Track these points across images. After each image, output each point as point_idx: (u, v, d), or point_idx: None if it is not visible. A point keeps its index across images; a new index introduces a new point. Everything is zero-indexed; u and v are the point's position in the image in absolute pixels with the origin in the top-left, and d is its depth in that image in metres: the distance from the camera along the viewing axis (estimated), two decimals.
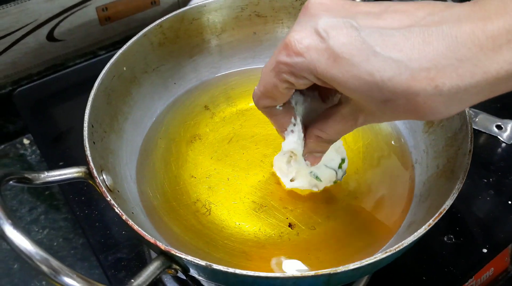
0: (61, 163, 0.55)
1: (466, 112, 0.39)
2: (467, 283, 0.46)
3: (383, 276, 0.45)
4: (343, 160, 0.42)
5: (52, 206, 0.58)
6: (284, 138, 0.36)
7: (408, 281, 0.46)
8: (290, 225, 0.41)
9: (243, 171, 0.45)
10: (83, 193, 0.52)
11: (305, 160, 0.37)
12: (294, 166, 0.40)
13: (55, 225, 0.56)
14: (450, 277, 0.46)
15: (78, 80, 0.64)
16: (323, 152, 0.36)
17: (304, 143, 0.35)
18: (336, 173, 0.41)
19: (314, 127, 0.34)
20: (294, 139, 0.35)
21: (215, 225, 0.42)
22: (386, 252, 0.30)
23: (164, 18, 0.46)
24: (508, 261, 0.52)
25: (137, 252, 0.47)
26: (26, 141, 0.65)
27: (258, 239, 0.40)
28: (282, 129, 0.36)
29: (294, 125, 0.35)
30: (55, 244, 0.54)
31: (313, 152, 0.36)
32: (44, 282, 0.52)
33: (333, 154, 0.41)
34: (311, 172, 0.41)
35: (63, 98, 0.63)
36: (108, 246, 0.48)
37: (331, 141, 0.34)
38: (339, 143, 0.42)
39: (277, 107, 0.34)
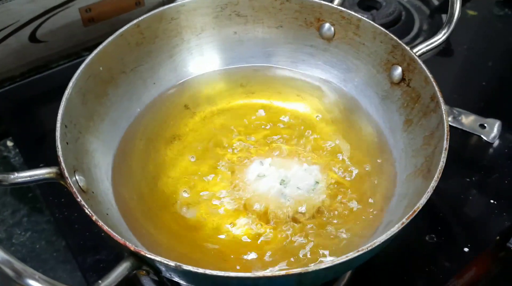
0: (41, 165, 0.54)
1: (443, 110, 0.39)
2: (448, 283, 0.46)
3: (363, 276, 0.45)
4: (317, 182, 0.43)
5: (35, 209, 0.57)
6: None
7: (388, 281, 0.46)
8: (270, 224, 0.41)
9: (223, 172, 0.45)
10: (62, 194, 0.51)
11: None
12: None
13: (38, 227, 0.55)
14: (431, 277, 0.46)
15: (62, 81, 0.63)
16: None
17: None
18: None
19: None
20: None
21: (193, 226, 0.41)
22: (358, 251, 0.30)
23: (142, 17, 0.46)
24: (490, 261, 0.51)
25: (116, 253, 0.46)
26: (9, 143, 0.64)
27: (236, 239, 0.40)
28: None
29: None
30: (37, 246, 0.54)
31: None
32: None
33: (308, 178, 0.42)
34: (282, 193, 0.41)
35: (46, 99, 0.63)
36: (87, 248, 0.47)
37: None
38: (314, 168, 0.43)
39: None
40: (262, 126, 0.49)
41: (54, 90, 0.64)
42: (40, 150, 0.57)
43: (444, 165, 0.35)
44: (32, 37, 0.62)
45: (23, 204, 0.57)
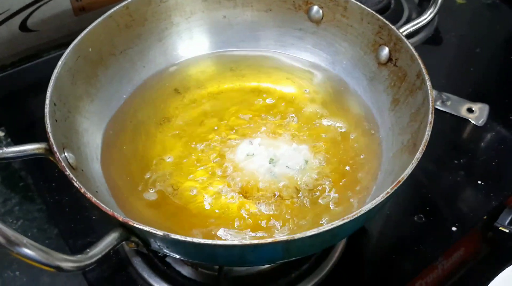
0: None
1: (428, 86, 0.39)
2: (436, 262, 0.47)
3: (352, 254, 0.45)
4: (306, 162, 0.43)
5: (26, 198, 0.57)
6: None
7: (378, 260, 0.46)
8: (259, 201, 0.41)
9: (212, 152, 0.45)
10: (53, 179, 0.51)
11: None
12: None
13: (30, 216, 0.55)
14: (419, 256, 0.46)
15: (53, 70, 0.64)
16: None
17: None
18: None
19: None
20: None
21: (182, 204, 0.42)
22: (343, 220, 0.30)
23: None
24: (478, 242, 0.52)
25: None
26: (1, 133, 0.64)
27: (225, 216, 0.40)
28: None
29: None
30: (29, 234, 0.54)
31: None
32: (17, 272, 0.52)
33: (297, 157, 0.42)
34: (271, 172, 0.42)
35: (37, 88, 0.62)
36: (78, 231, 0.47)
37: None
38: (304, 147, 0.43)
39: None
40: (252, 109, 0.49)
41: (45, 79, 0.64)
42: (31, 139, 0.57)
43: (429, 138, 0.36)
44: (23, 26, 0.62)
45: (14, 193, 0.57)
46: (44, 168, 0.53)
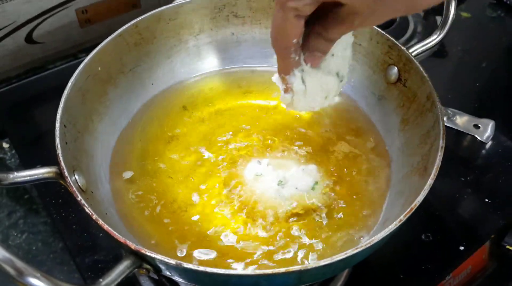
0: (38, 166, 0.54)
1: (439, 109, 0.39)
2: (444, 281, 0.47)
3: (360, 274, 0.45)
4: (316, 183, 0.43)
5: (31, 210, 0.57)
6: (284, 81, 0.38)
7: (386, 279, 0.46)
8: (267, 223, 0.41)
9: (221, 171, 0.45)
10: (60, 195, 0.51)
11: (305, 62, 0.38)
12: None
13: (34, 229, 0.55)
14: (427, 275, 0.46)
15: (58, 82, 0.63)
16: (324, 52, 0.38)
17: (305, 42, 0.36)
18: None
19: (317, 25, 0.35)
20: (298, 81, 0.38)
21: (191, 226, 0.42)
22: (356, 248, 0.30)
23: (140, 18, 0.46)
24: (486, 259, 0.52)
25: (114, 254, 0.46)
26: (5, 145, 0.64)
27: (235, 238, 0.40)
28: (287, 72, 0.38)
29: (302, 70, 0.38)
30: (34, 248, 0.54)
31: (314, 51, 0.37)
32: None
33: (306, 178, 0.43)
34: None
35: (42, 100, 0.63)
36: (85, 248, 0.47)
37: (331, 41, 0.36)
38: (313, 168, 0.44)
39: (292, 53, 0.36)
40: (260, 126, 0.49)
41: (51, 91, 0.64)
42: (36, 151, 0.57)
43: (440, 163, 0.36)
44: (29, 38, 0.62)
45: (19, 205, 0.57)
46: (50, 184, 0.53)
